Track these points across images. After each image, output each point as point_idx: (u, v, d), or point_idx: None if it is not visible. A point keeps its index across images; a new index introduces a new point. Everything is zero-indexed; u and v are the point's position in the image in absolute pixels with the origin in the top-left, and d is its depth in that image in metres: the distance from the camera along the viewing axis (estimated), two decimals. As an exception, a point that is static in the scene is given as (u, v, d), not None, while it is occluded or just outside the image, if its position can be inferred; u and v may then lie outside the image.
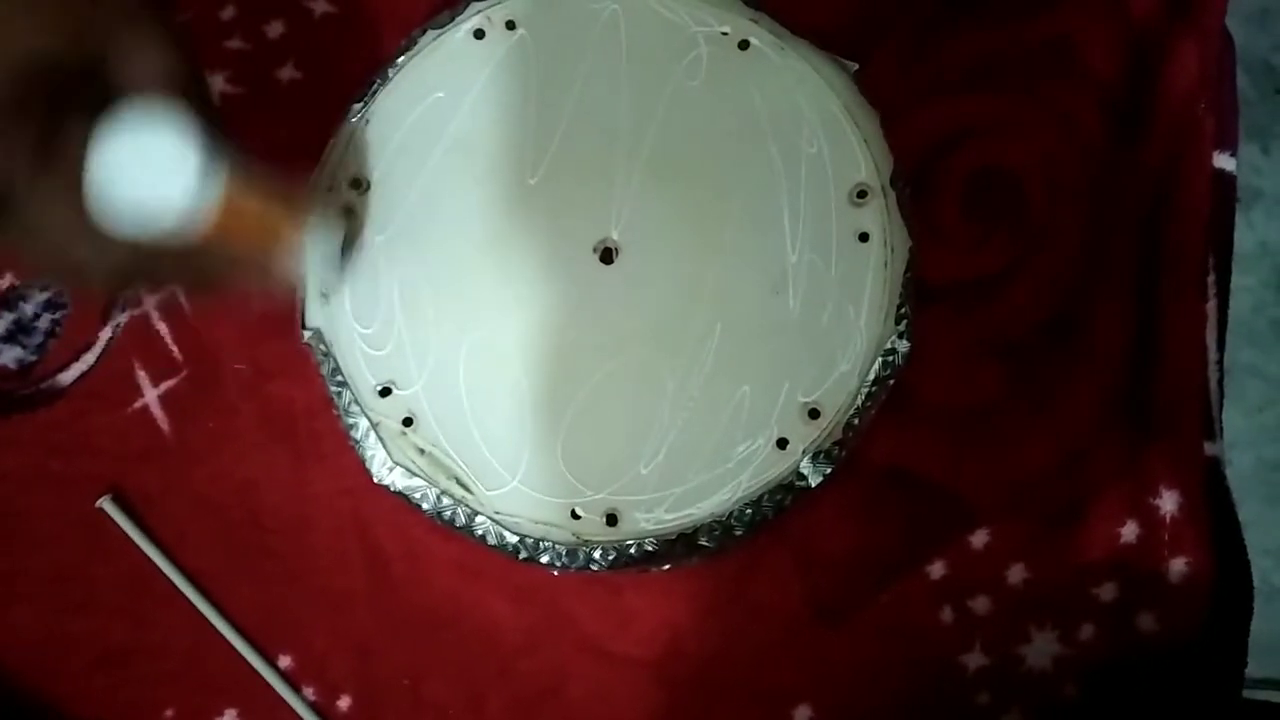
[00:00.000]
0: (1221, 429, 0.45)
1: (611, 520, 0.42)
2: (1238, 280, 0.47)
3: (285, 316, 0.48)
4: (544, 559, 0.42)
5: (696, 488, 0.42)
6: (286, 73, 0.51)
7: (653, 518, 0.42)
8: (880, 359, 0.42)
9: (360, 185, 0.44)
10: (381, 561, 0.47)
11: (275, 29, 0.51)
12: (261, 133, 0.50)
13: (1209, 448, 0.45)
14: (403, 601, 0.47)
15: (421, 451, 0.43)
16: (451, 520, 0.43)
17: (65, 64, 0.32)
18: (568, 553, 0.42)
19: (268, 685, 0.46)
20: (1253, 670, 0.44)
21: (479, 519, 0.42)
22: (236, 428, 0.48)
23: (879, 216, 0.43)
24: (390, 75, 0.45)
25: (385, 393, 0.43)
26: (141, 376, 0.49)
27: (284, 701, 0.46)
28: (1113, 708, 0.45)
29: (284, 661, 0.47)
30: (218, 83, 0.51)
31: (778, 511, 0.42)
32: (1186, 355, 0.45)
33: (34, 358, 0.49)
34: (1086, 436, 0.45)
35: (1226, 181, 0.46)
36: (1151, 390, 0.45)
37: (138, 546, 0.47)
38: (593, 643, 0.46)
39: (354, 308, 0.44)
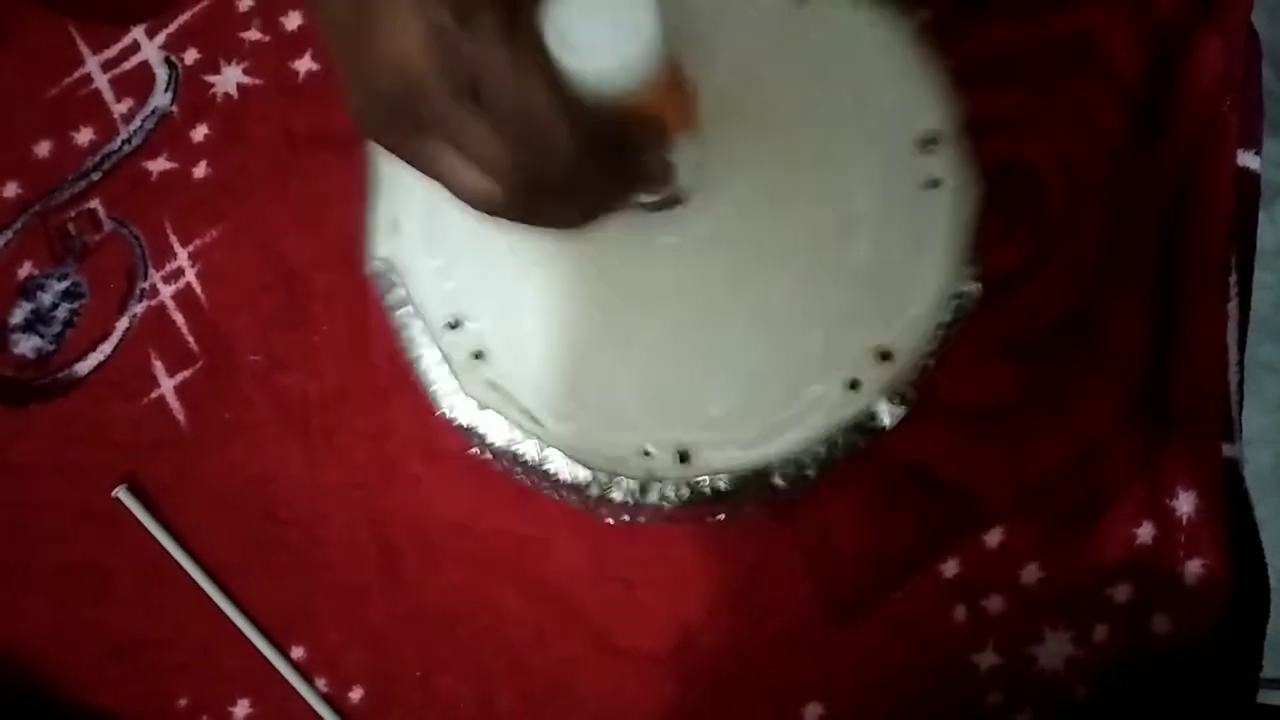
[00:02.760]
0: (1240, 430, 0.45)
1: (684, 457, 0.41)
2: (1258, 277, 0.46)
3: (299, 307, 0.49)
4: (615, 496, 0.41)
5: (769, 427, 0.41)
6: (304, 64, 0.51)
7: (725, 455, 0.41)
8: (951, 302, 0.42)
9: None
10: (394, 555, 0.47)
11: (293, 20, 0.51)
12: (279, 125, 0.51)
13: (1227, 449, 0.44)
14: (415, 595, 0.47)
15: (492, 385, 0.42)
16: (521, 455, 0.41)
17: None
18: (640, 489, 0.41)
19: (280, 676, 0.47)
20: (1267, 670, 0.44)
21: (549, 452, 0.41)
22: (251, 419, 0.48)
23: (949, 163, 0.42)
24: None
25: (454, 326, 0.42)
26: (158, 367, 0.49)
27: (296, 692, 0.47)
28: (1125, 710, 0.44)
29: (297, 652, 0.47)
30: (235, 74, 0.51)
31: (850, 451, 0.41)
32: (1207, 356, 0.44)
33: (52, 347, 0.50)
34: (1103, 436, 0.45)
35: (1250, 180, 0.45)
36: (1170, 390, 0.44)
37: (153, 537, 0.47)
38: (604, 637, 0.46)
39: (423, 238, 0.43)
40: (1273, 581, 0.44)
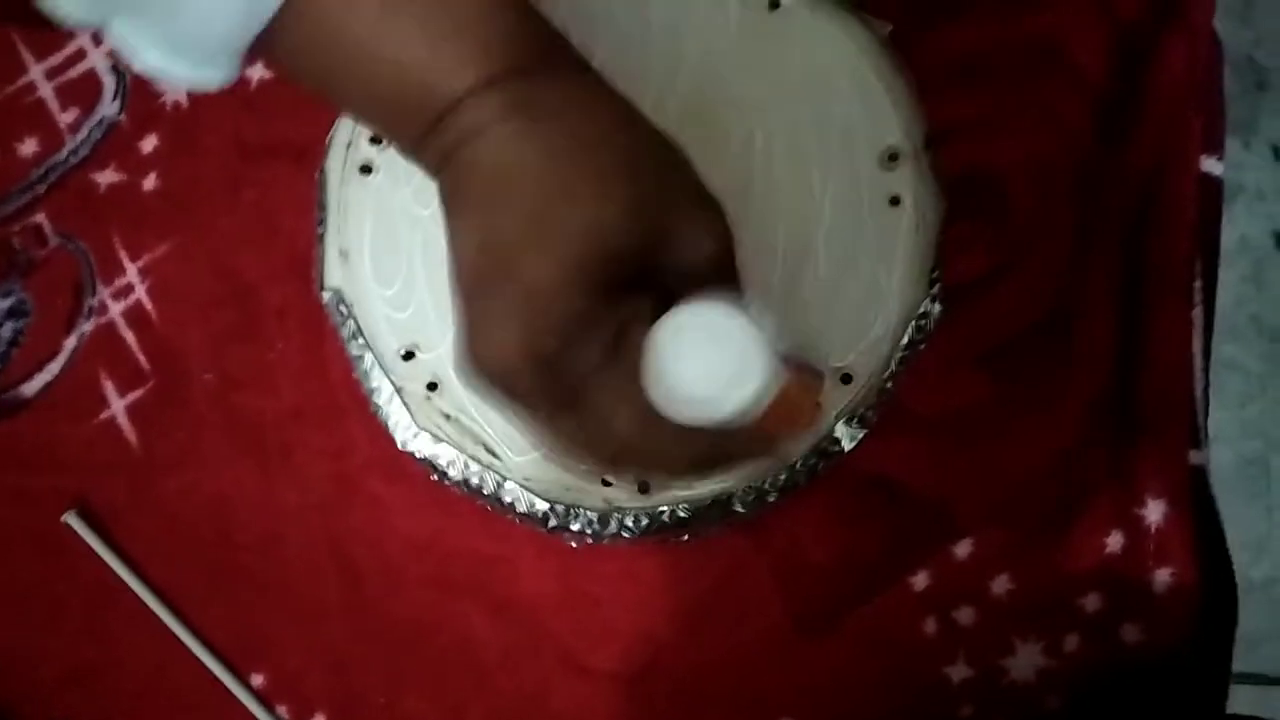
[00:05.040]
0: (1207, 436, 0.45)
1: (643, 487, 0.41)
2: (1219, 276, 0.46)
3: (252, 324, 0.48)
4: (575, 526, 0.41)
5: None
6: (257, 73, 0.50)
7: (685, 483, 0.41)
8: (913, 323, 0.41)
9: (380, 141, 0.43)
10: (355, 576, 0.46)
11: (243, 28, 0.50)
12: (230, 135, 0.49)
13: (1194, 456, 0.44)
14: (378, 617, 0.46)
15: (447, 417, 0.42)
16: (479, 488, 0.42)
17: (639, 249, 0.30)
18: (599, 519, 0.41)
19: (240, 704, 0.46)
20: (1236, 666, 0.44)
21: (508, 485, 0.41)
22: (205, 440, 0.47)
23: (910, 180, 0.42)
24: None
25: (409, 356, 0.42)
26: (108, 387, 0.48)
27: (257, 720, 0.46)
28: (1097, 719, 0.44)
29: (256, 679, 0.46)
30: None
31: (811, 476, 0.41)
32: (1172, 362, 0.44)
33: (-4, 367, 0.48)
34: (1071, 444, 0.44)
35: (1213, 185, 0.45)
36: (1137, 398, 0.44)
37: (105, 562, 0.46)
38: (572, 657, 0.45)
39: (374, 267, 0.42)
40: (1238, 579, 0.44)
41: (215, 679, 0.46)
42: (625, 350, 0.30)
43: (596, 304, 0.30)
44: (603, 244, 0.30)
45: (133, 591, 0.46)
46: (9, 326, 0.48)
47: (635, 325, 0.30)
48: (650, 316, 0.30)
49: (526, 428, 0.33)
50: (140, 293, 0.48)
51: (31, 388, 0.48)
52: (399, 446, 0.42)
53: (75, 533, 0.46)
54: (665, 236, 0.31)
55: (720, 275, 0.32)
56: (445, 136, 0.30)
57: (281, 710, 0.46)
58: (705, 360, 0.29)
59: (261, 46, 0.30)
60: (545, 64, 0.31)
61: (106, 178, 0.49)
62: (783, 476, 0.41)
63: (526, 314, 0.29)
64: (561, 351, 0.30)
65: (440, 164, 0.31)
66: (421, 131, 0.31)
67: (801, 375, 0.34)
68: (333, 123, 0.44)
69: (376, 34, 0.30)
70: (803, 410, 0.36)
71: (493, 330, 0.30)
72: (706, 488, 0.41)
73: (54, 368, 0.48)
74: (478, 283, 0.30)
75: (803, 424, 0.37)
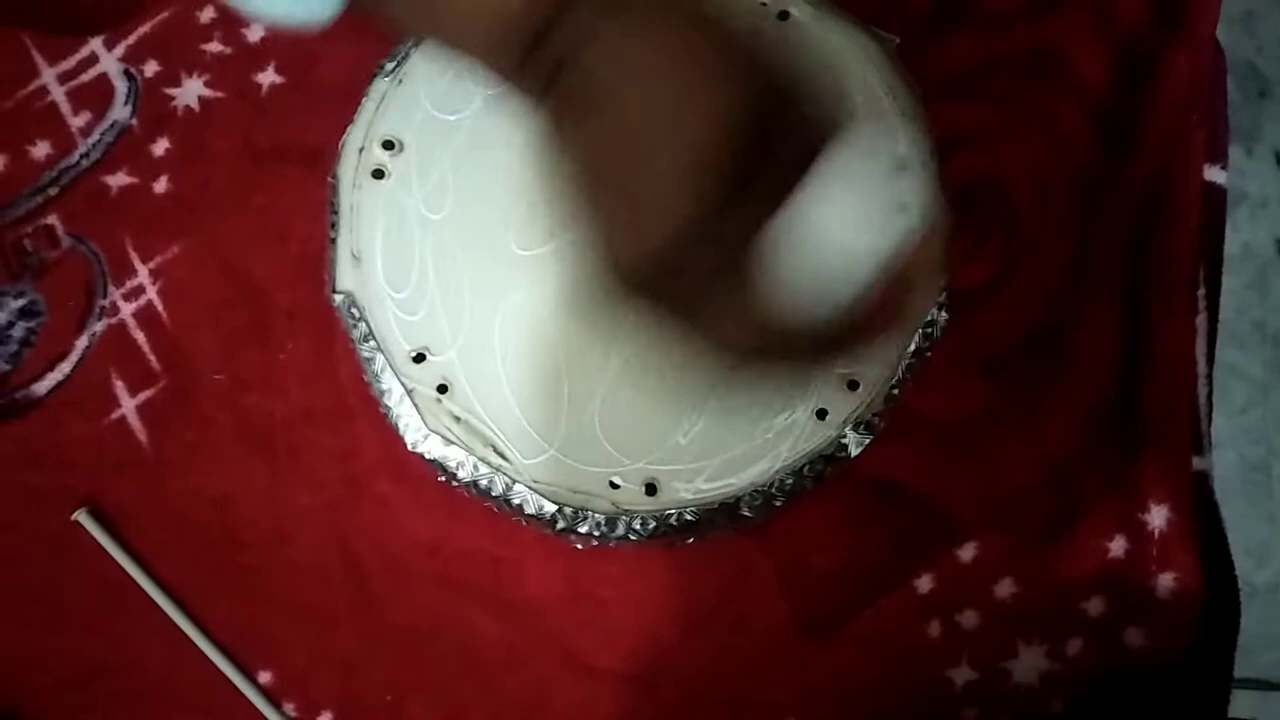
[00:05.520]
0: (1210, 442, 0.45)
1: (651, 490, 0.41)
2: (1222, 282, 0.47)
3: (262, 325, 0.48)
4: (583, 528, 0.41)
5: (736, 457, 0.41)
6: (267, 77, 0.50)
7: (692, 487, 0.41)
8: (919, 331, 0.41)
9: (393, 146, 0.43)
10: (363, 577, 0.46)
11: (255, 33, 0.50)
12: (241, 139, 0.50)
13: (1198, 462, 0.45)
14: (385, 617, 0.46)
15: (457, 419, 0.42)
16: (488, 489, 0.42)
17: (758, 135, 0.30)
18: (607, 522, 0.41)
19: (247, 702, 0.46)
20: (1238, 671, 0.44)
21: (517, 487, 0.41)
22: (214, 440, 0.47)
23: (917, 190, 0.42)
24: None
25: (419, 359, 0.42)
26: (119, 387, 0.48)
27: (264, 718, 0.46)
28: (1099, 722, 0.45)
29: (264, 678, 0.46)
30: (196, 86, 0.50)
31: (817, 481, 0.42)
32: (1176, 369, 0.44)
33: (8, 367, 0.48)
34: (1075, 451, 0.45)
35: (1216, 194, 0.46)
36: (1140, 404, 0.45)
37: (115, 561, 0.46)
38: (577, 658, 0.45)
39: (386, 271, 0.43)
40: (1240, 584, 0.45)
41: (223, 677, 0.46)
42: (743, 257, 0.30)
43: (721, 195, 0.29)
44: (729, 129, 0.29)
45: (142, 590, 0.46)
46: (21, 327, 0.49)
47: (750, 227, 0.30)
48: (759, 222, 0.30)
49: (654, 328, 0.33)
50: (151, 294, 0.49)
51: (43, 387, 0.48)
52: (409, 448, 0.42)
53: (86, 531, 0.46)
54: (781, 120, 0.31)
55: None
56: (551, 49, 0.30)
57: (288, 708, 0.46)
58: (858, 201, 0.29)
59: None
60: None
61: (118, 180, 0.50)
62: (790, 481, 0.41)
63: (670, 198, 0.29)
64: (685, 248, 0.30)
65: (549, 78, 0.31)
66: (525, 50, 0.30)
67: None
68: (344, 128, 0.44)
69: None
70: (936, 258, 0.36)
71: (638, 220, 0.30)
72: (713, 492, 0.41)
73: (65, 368, 0.48)
74: (605, 185, 0.30)
75: (938, 272, 0.37)
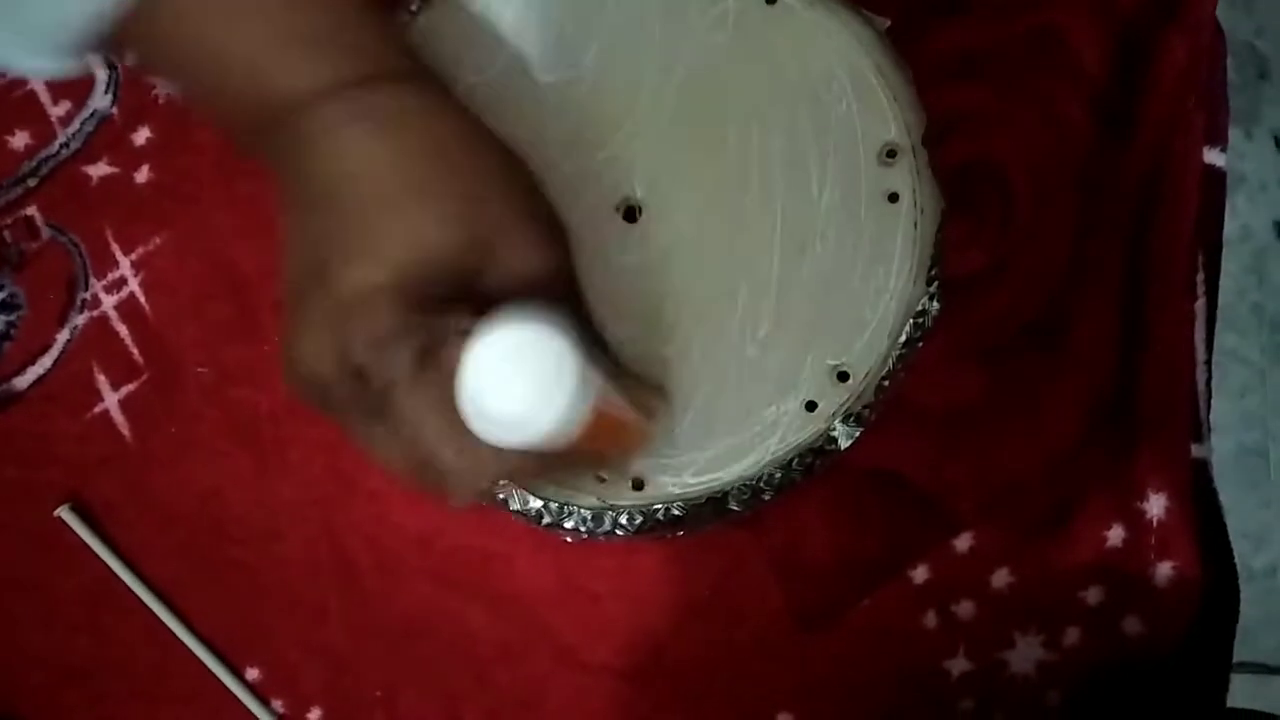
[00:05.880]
0: (1210, 429, 0.45)
1: (638, 484, 0.41)
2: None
3: (247, 317, 0.47)
4: (569, 523, 0.41)
5: (724, 451, 0.41)
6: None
7: (679, 481, 0.41)
8: (911, 321, 0.41)
9: None
10: (353, 572, 0.46)
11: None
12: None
13: (1197, 450, 0.44)
14: (375, 612, 0.45)
15: None
16: None
17: (459, 263, 0.31)
18: (593, 517, 0.41)
19: (236, 699, 0.45)
20: (1237, 655, 0.44)
21: (500, 482, 0.41)
22: (200, 434, 0.46)
23: (909, 176, 0.41)
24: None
25: None
26: (101, 380, 0.47)
27: (252, 715, 0.45)
28: (1097, 713, 0.44)
29: (252, 674, 0.46)
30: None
31: (806, 474, 0.41)
32: (1175, 355, 0.44)
33: (-11, 361, 0.48)
34: (1072, 439, 0.44)
35: (1216, 177, 0.45)
36: (1139, 391, 0.44)
37: (99, 557, 0.46)
38: (570, 653, 0.45)
39: None
40: (1238, 569, 0.44)
41: (210, 673, 0.45)
42: (441, 362, 0.30)
43: (412, 315, 0.30)
44: (421, 254, 0.30)
45: (127, 586, 0.46)
46: (1, 320, 0.48)
47: (454, 339, 0.30)
48: (470, 332, 0.29)
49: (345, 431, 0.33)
50: (133, 286, 0.48)
51: (24, 381, 0.47)
52: None
53: (69, 527, 0.46)
54: (491, 252, 0.31)
55: (550, 295, 0.32)
56: (289, 136, 0.30)
57: (277, 705, 0.46)
58: (514, 380, 0.28)
59: (113, 40, 0.31)
60: (397, 76, 0.32)
61: (99, 170, 0.49)
62: (778, 474, 0.41)
63: (338, 322, 0.30)
64: (373, 361, 0.30)
65: (280, 163, 0.31)
66: (266, 129, 0.31)
67: (631, 394, 0.34)
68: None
69: (231, 32, 0.30)
70: (628, 432, 0.36)
71: (307, 337, 0.30)
72: (700, 486, 0.41)
73: (46, 361, 0.48)
74: (298, 286, 0.31)
75: (629, 445, 0.37)
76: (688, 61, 0.42)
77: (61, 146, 0.49)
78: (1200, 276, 0.45)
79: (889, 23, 0.43)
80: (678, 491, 0.41)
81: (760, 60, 0.42)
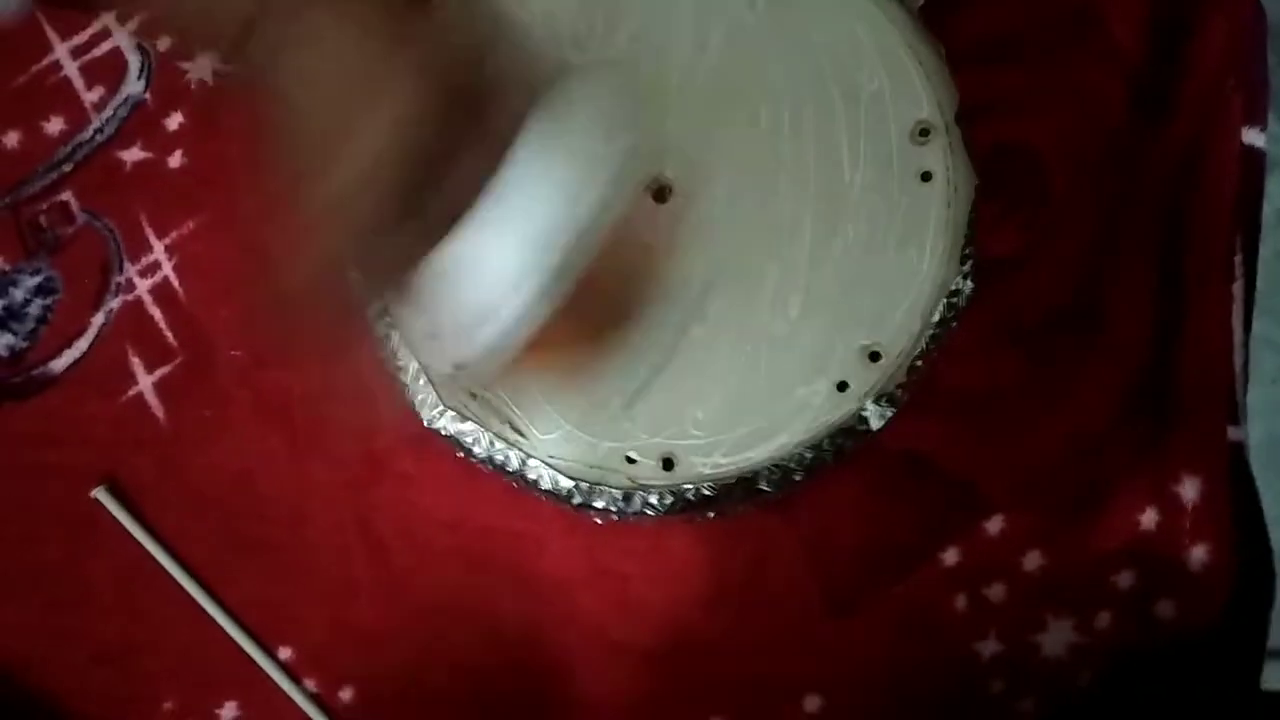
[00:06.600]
0: (1245, 412, 0.44)
1: (668, 464, 0.41)
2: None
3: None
4: (599, 504, 0.41)
5: (754, 432, 0.41)
6: (279, 48, 0.49)
7: (710, 462, 0.41)
8: (944, 301, 0.41)
9: None
10: (383, 553, 0.46)
11: (267, 3, 0.50)
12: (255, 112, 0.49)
13: (1233, 432, 0.44)
14: (405, 592, 0.46)
15: (474, 395, 0.41)
16: (504, 465, 0.41)
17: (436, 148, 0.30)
18: (624, 497, 0.41)
19: (268, 677, 0.46)
20: (1272, 641, 0.44)
21: (532, 463, 0.41)
22: (232, 416, 0.47)
23: (941, 155, 0.41)
24: None
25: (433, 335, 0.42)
26: (136, 363, 0.48)
27: (285, 693, 0.46)
28: (1129, 697, 0.44)
29: (284, 653, 0.46)
30: (209, 60, 0.50)
31: (838, 455, 0.41)
32: (1212, 338, 0.43)
33: (25, 344, 0.48)
34: (1106, 422, 0.44)
35: (1255, 158, 0.44)
36: (1174, 374, 0.44)
37: (134, 538, 0.46)
38: (600, 633, 0.45)
39: None
40: (1273, 554, 0.44)
41: (244, 653, 0.46)
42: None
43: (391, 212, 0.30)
44: (403, 139, 0.29)
45: (161, 566, 0.46)
46: (37, 304, 0.49)
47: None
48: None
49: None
50: (167, 270, 0.48)
51: (60, 364, 0.48)
52: (425, 424, 0.42)
53: (104, 508, 0.46)
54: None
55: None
56: (264, 38, 0.30)
57: (309, 684, 0.46)
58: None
59: None
60: None
61: (132, 155, 0.49)
62: (809, 455, 0.40)
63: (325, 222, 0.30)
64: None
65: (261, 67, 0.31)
66: (238, 34, 0.31)
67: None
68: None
69: None
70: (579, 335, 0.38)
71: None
72: (731, 467, 0.40)
73: (82, 344, 0.48)
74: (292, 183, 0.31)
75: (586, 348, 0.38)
76: (719, 41, 0.42)
77: (95, 132, 0.50)
78: (1238, 258, 0.44)
79: (922, 1, 0.42)
80: (708, 471, 0.41)
81: (792, 39, 0.42)
